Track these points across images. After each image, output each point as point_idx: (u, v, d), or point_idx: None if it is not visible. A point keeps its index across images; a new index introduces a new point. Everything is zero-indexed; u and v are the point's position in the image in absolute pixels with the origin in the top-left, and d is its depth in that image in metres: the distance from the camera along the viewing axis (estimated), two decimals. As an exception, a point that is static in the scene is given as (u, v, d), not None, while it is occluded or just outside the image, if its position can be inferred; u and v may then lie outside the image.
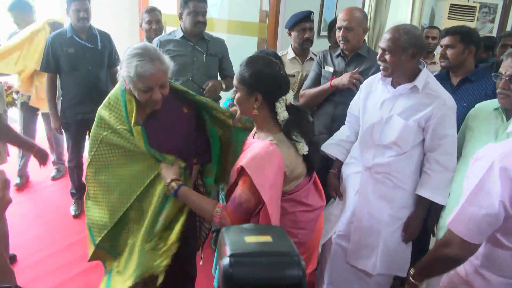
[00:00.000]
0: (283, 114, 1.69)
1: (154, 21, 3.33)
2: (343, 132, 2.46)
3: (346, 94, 2.54)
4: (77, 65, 3.23)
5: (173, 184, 1.75)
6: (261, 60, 1.71)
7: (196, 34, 2.92)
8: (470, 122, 2.16)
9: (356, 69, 2.54)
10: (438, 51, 2.89)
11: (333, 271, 2.45)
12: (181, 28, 2.94)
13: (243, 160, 1.63)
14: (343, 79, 2.53)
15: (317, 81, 2.78)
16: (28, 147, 2.54)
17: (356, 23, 2.56)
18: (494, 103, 2.06)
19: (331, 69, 2.71)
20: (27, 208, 3.63)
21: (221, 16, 3.60)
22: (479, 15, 6.48)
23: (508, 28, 6.47)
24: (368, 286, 2.34)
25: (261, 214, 1.64)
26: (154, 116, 1.85)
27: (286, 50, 3.02)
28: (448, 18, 6.17)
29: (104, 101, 1.86)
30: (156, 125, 1.84)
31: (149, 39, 3.34)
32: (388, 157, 2.15)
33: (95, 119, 1.86)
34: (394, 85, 2.15)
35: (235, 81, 1.71)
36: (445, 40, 2.51)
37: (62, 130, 3.40)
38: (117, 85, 1.86)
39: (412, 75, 2.08)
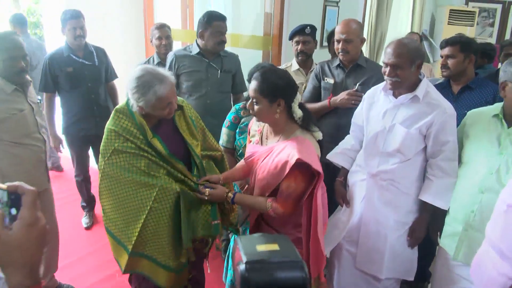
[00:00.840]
0: (298, 112, 1.92)
1: (164, 37, 3.41)
2: (347, 141, 2.52)
3: None
4: (77, 83, 3.28)
5: (229, 194, 2.01)
6: (274, 70, 1.95)
7: (217, 52, 2.99)
8: (468, 129, 2.15)
9: (354, 89, 2.61)
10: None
11: (342, 276, 2.50)
12: (197, 44, 2.98)
13: (285, 157, 1.82)
14: (343, 99, 2.61)
15: (314, 94, 2.85)
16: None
17: (354, 35, 2.64)
18: (490, 109, 2.09)
19: (331, 81, 2.78)
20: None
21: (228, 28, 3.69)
22: (479, 19, 6.55)
23: (508, 31, 6.55)
24: (376, 290, 2.38)
25: (305, 202, 1.88)
26: (159, 127, 2.01)
27: (290, 62, 3.09)
28: (448, 24, 6.23)
29: (113, 118, 1.94)
30: (163, 134, 2.00)
31: (160, 54, 3.44)
32: (392, 164, 2.21)
33: (105, 133, 1.94)
34: (395, 95, 2.22)
35: (254, 94, 1.88)
36: (446, 51, 2.57)
37: (61, 148, 3.45)
38: (122, 105, 1.97)
39: (414, 85, 2.15)
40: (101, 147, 1.93)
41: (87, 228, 3.63)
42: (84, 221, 3.68)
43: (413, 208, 2.26)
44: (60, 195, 4.16)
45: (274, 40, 3.30)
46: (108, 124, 1.94)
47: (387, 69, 2.12)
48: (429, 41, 6.17)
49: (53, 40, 3.43)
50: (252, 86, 1.89)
